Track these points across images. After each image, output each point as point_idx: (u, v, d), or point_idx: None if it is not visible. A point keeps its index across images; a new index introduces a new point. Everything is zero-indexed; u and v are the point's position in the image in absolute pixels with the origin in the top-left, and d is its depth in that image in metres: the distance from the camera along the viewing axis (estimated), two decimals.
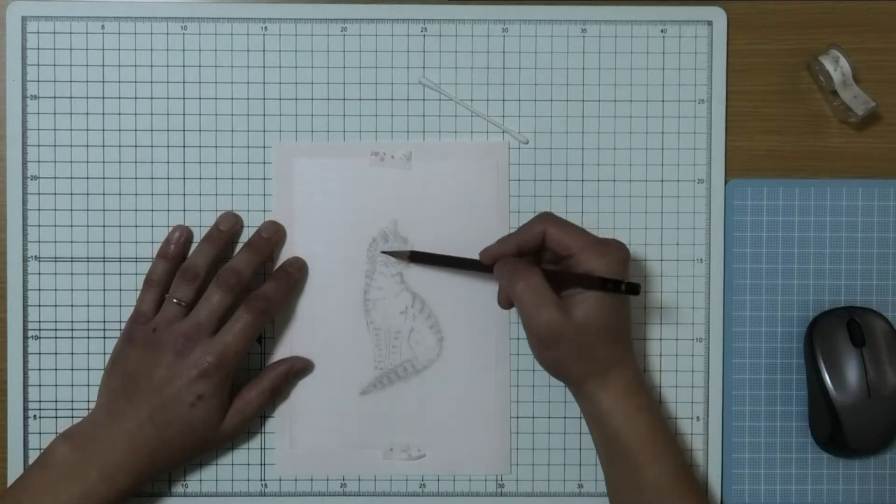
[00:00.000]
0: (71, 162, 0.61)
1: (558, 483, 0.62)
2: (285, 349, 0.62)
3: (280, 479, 0.62)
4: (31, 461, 0.60)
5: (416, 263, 0.61)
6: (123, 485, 0.56)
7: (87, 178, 0.61)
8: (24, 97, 0.61)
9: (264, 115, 0.61)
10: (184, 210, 0.61)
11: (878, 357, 0.60)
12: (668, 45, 0.62)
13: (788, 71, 0.63)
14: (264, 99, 0.61)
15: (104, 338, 0.61)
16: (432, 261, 0.60)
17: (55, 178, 0.61)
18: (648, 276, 0.62)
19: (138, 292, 0.60)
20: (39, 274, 0.61)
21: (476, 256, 0.59)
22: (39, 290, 0.61)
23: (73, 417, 0.61)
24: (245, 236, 0.61)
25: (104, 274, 0.61)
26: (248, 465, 0.62)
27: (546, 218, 0.57)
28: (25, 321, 0.61)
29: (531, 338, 0.56)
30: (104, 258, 0.61)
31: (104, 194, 0.61)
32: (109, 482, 0.55)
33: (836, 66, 0.60)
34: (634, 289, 0.54)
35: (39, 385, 0.61)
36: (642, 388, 0.57)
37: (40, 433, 0.61)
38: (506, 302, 0.59)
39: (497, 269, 0.57)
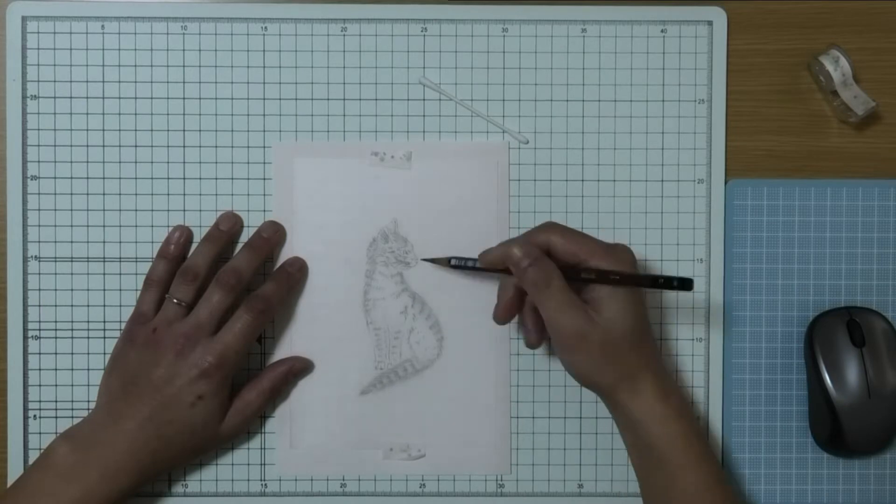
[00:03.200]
0: (71, 162, 0.61)
1: (558, 483, 0.62)
2: (285, 349, 0.62)
3: (280, 479, 0.62)
4: (31, 461, 0.60)
5: (456, 269, 0.60)
6: (123, 485, 0.56)
7: (87, 178, 0.61)
8: (24, 97, 0.61)
9: (264, 115, 0.61)
10: (184, 210, 0.61)
11: (878, 357, 0.60)
12: (668, 45, 0.62)
13: (788, 71, 0.63)
14: (264, 99, 0.61)
15: (104, 338, 0.61)
16: (468, 267, 0.59)
17: (55, 178, 0.61)
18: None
19: (138, 292, 0.60)
20: (39, 274, 0.61)
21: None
22: (39, 290, 0.61)
23: (73, 417, 0.61)
24: (245, 236, 0.61)
25: (104, 274, 0.61)
26: (248, 465, 0.62)
27: (551, 227, 0.56)
28: (25, 321, 0.61)
29: (556, 342, 0.55)
30: (104, 258, 0.61)
31: (104, 194, 0.61)
32: (109, 482, 0.55)
33: (836, 66, 0.60)
34: (687, 284, 0.54)
35: (39, 385, 0.61)
36: (675, 392, 0.56)
37: (40, 433, 0.61)
38: (503, 316, 0.58)
39: (518, 272, 0.55)
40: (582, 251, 0.55)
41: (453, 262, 0.59)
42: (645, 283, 0.55)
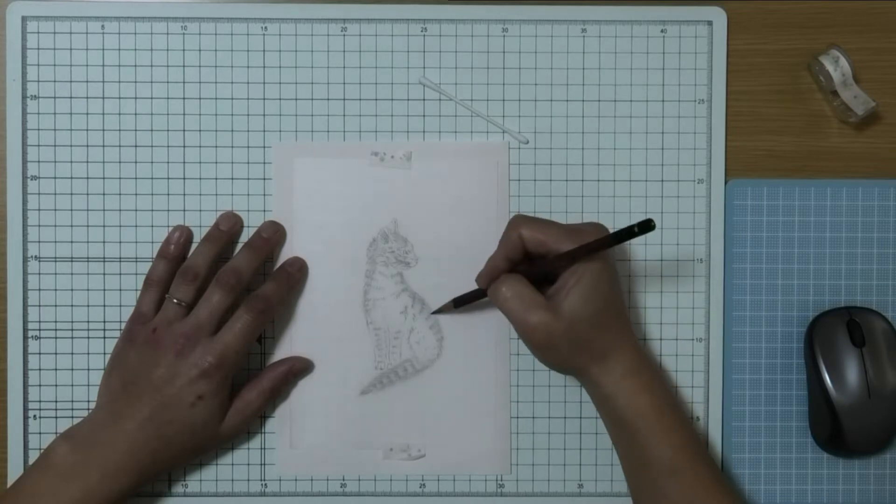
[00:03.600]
0: (71, 162, 0.61)
1: (558, 483, 0.62)
2: (285, 349, 0.62)
3: (280, 479, 0.62)
4: (31, 461, 0.60)
5: (461, 307, 0.61)
6: (123, 485, 0.56)
7: (87, 178, 0.61)
8: (24, 97, 0.61)
9: (264, 115, 0.61)
10: (184, 210, 0.61)
11: (878, 357, 0.60)
12: (668, 45, 0.62)
13: (788, 71, 0.63)
14: (264, 99, 0.61)
15: (104, 338, 0.61)
16: (470, 297, 0.60)
17: (55, 178, 0.61)
18: (648, 276, 0.62)
19: (138, 292, 0.60)
20: (39, 274, 0.61)
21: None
22: (39, 290, 0.61)
23: (73, 417, 0.61)
24: (245, 236, 0.61)
25: (104, 274, 0.61)
26: (248, 465, 0.62)
27: (517, 222, 0.56)
28: (25, 321, 0.61)
29: (526, 344, 0.56)
30: (104, 258, 0.61)
31: (104, 194, 0.61)
32: (109, 482, 0.55)
33: (836, 66, 0.60)
34: (647, 225, 0.51)
35: (39, 385, 0.61)
36: (645, 368, 0.56)
37: (40, 433, 0.61)
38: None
39: (489, 290, 0.57)
40: (549, 240, 0.55)
41: (456, 301, 0.60)
42: (605, 244, 0.54)
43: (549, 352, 0.56)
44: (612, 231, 0.55)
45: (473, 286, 0.59)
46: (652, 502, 0.56)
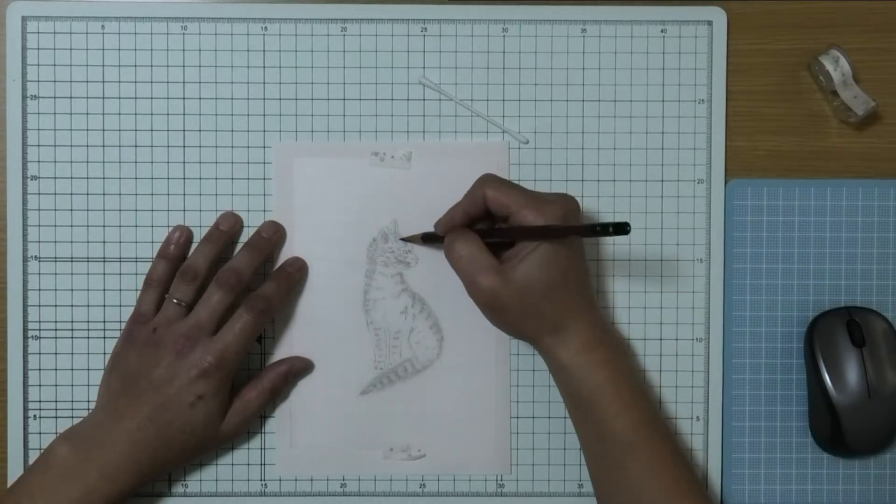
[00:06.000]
0: (71, 162, 0.61)
1: (558, 483, 0.62)
2: (285, 349, 0.62)
3: (280, 479, 0.62)
4: (31, 461, 0.60)
5: (428, 244, 0.61)
6: (124, 485, 0.56)
7: (87, 178, 0.61)
8: (24, 97, 0.61)
9: (264, 115, 0.61)
10: (184, 210, 0.61)
11: (878, 357, 0.60)
12: (668, 45, 0.62)
13: (788, 71, 0.63)
14: (264, 99, 0.61)
15: (104, 338, 0.61)
16: (433, 238, 0.60)
17: (55, 178, 0.61)
18: (648, 276, 0.62)
19: (138, 292, 0.60)
20: (39, 274, 0.61)
21: None
22: (39, 290, 0.61)
23: (73, 417, 0.61)
24: (245, 236, 0.61)
25: (104, 274, 0.61)
26: (248, 465, 0.62)
27: (485, 180, 0.57)
28: (25, 321, 0.61)
29: (476, 304, 0.56)
30: (104, 258, 0.61)
31: (104, 194, 0.61)
32: (110, 482, 0.55)
33: (836, 66, 0.60)
34: (621, 228, 0.49)
35: (39, 385, 0.61)
36: (603, 342, 0.56)
37: (40, 433, 0.61)
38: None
39: (444, 244, 0.57)
40: (512, 202, 0.55)
41: (423, 236, 0.60)
42: (569, 232, 0.54)
43: (497, 315, 0.56)
44: (581, 212, 0.55)
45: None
46: (609, 476, 0.56)
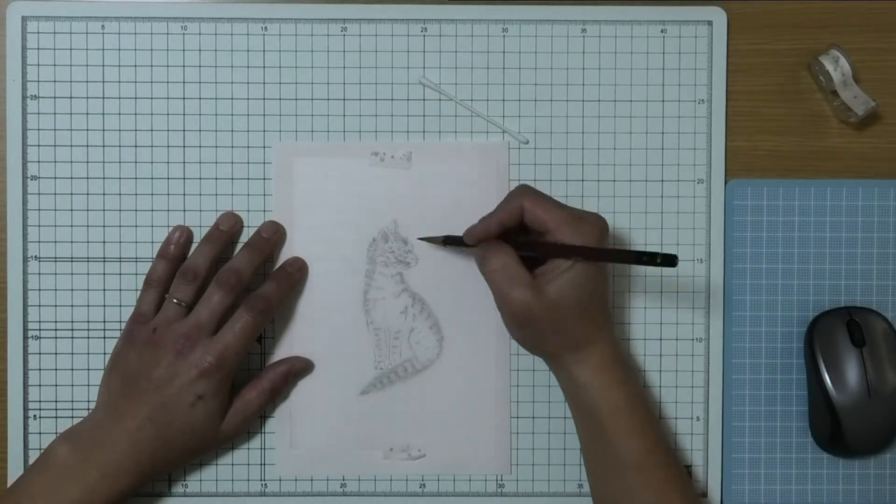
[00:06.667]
0: (71, 162, 0.61)
1: (558, 483, 0.62)
2: (285, 349, 0.62)
3: (280, 479, 0.62)
4: (31, 461, 0.60)
5: (450, 245, 0.60)
6: (124, 485, 0.56)
7: (87, 178, 0.61)
8: (24, 97, 0.61)
9: (264, 115, 0.61)
10: (184, 210, 0.61)
11: (878, 357, 0.60)
12: (668, 45, 0.62)
13: (788, 71, 0.63)
14: (264, 99, 0.61)
15: (104, 338, 0.61)
16: (460, 244, 0.59)
17: (55, 178, 0.61)
18: (648, 276, 0.62)
19: (138, 292, 0.60)
20: (39, 274, 0.61)
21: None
22: (39, 290, 0.61)
23: (73, 417, 0.61)
24: (245, 236, 0.61)
25: (104, 274, 0.61)
26: (248, 465, 0.62)
27: (523, 192, 0.56)
28: (25, 321, 0.61)
29: (504, 317, 0.56)
30: (104, 258, 0.61)
31: (104, 194, 0.61)
32: (110, 482, 0.55)
33: (836, 66, 0.60)
34: (671, 260, 0.51)
35: (39, 385, 0.61)
36: (619, 363, 0.56)
37: (40, 433, 0.61)
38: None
39: (475, 252, 0.57)
40: (549, 219, 0.55)
41: (446, 239, 0.60)
42: (608, 258, 0.55)
43: (526, 330, 0.56)
44: (611, 234, 0.55)
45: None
46: (614, 496, 0.56)
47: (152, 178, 0.61)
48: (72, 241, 0.61)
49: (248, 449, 0.62)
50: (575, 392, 0.56)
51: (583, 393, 0.56)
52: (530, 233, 0.58)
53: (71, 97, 0.61)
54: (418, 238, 0.61)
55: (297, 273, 0.61)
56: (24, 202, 0.61)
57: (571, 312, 0.55)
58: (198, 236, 0.61)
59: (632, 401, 0.56)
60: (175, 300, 0.58)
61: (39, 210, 0.61)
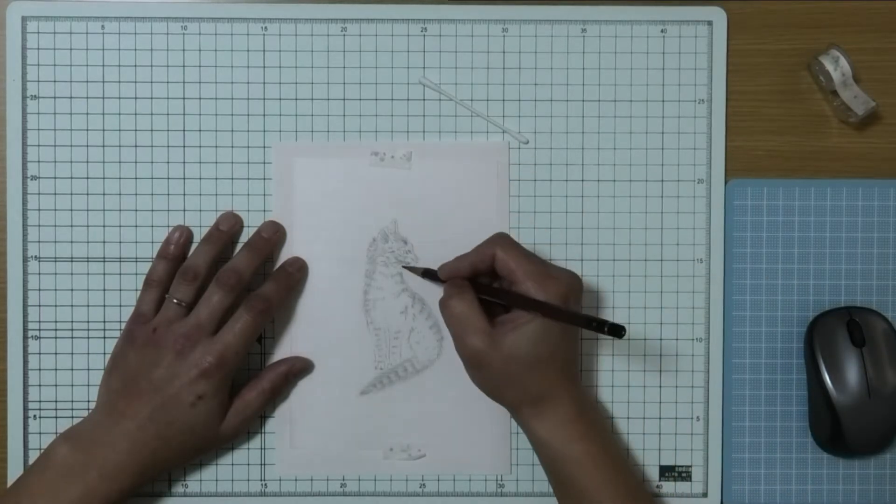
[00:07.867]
0: (71, 162, 0.61)
1: None
2: (285, 349, 0.62)
3: (280, 479, 0.62)
4: (31, 461, 0.60)
5: (428, 279, 0.60)
6: (124, 485, 0.56)
7: (87, 178, 0.61)
8: (24, 97, 0.61)
9: (264, 115, 0.61)
10: (184, 210, 0.61)
11: (878, 357, 0.60)
12: (668, 45, 0.62)
13: (788, 71, 0.63)
14: (264, 99, 0.61)
15: (104, 338, 0.61)
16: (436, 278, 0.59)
17: (55, 178, 0.61)
18: (648, 276, 0.62)
19: (138, 292, 0.60)
20: (39, 274, 0.61)
21: None
22: (39, 290, 0.61)
23: (73, 417, 0.61)
24: (245, 236, 0.61)
25: (104, 274, 0.61)
26: (248, 465, 0.62)
27: (498, 239, 0.57)
28: (25, 321, 0.61)
29: (462, 360, 0.57)
30: (104, 258, 0.61)
31: (104, 194, 0.61)
32: (110, 482, 0.55)
33: (836, 66, 0.60)
34: (617, 331, 0.50)
35: (39, 385, 0.61)
36: (583, 416, 0.56)
37: (40, 433, 0.61)
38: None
39: (442, 297, 0.57)
40: (518, 272, 0.55)
41: (424, 272, 0.60)
42: (564, 318, 0.54)
43: (481, 376, 0.56)
44: (580, 304, 0.55)
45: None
46: None
47: (152, 178, 0.61)
48: (72, 241, 0.61)
49: (248, 449, 0.62)
50: (538, 448, 0.56)
51: (545, 449, 0.56)
52: (503, 279, 0.57)
53: (71, 97, 0.61)
54: (403, 266, 0.61)
55: (297, 273, 0.61)
56: (24, 202, 0.61)
57: (527, 366, 0.54)
58: (198, 236, 0.61)
59: (594, 454, 0.55)
60: (175, 300, 0.58)
61: (39, 210, 0.61)
